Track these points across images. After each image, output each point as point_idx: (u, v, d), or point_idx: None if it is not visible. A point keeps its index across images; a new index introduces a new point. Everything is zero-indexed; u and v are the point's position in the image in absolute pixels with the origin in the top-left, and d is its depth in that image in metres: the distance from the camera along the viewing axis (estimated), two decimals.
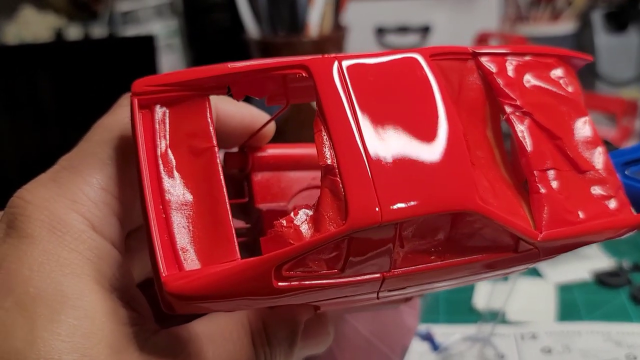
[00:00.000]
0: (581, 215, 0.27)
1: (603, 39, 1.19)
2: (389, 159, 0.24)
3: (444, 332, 0.54)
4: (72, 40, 1.07)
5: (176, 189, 0.26)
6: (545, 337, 0.53)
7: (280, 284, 0.23)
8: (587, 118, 0.31)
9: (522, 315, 0.57)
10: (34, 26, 1.10)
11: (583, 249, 0.65)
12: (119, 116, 0.29)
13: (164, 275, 0.23)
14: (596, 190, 0.29)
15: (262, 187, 0.34)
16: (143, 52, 0.91)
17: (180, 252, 0.24)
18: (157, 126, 0.26)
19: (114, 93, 0.99)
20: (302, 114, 0.66)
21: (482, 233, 0.26)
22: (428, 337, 0.52)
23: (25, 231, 0.26)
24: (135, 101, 0.27)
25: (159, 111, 0.27)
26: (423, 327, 0.53)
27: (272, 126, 0.35)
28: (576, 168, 0.29)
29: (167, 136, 0.27)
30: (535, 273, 0.63)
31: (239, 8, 0.93)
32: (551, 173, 0.28)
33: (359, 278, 0.25)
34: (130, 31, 1.10)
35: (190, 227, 0.25)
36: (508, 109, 0.29)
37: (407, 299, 0.34)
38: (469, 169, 0.25)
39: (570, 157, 0.29)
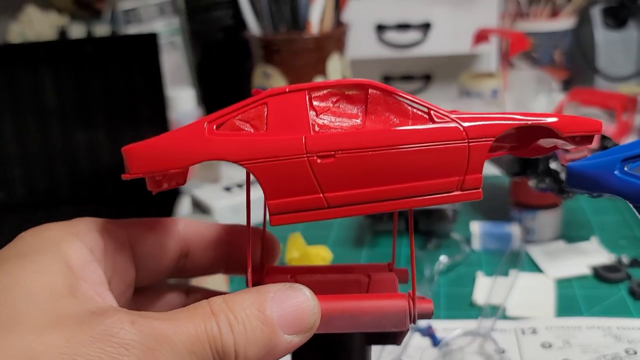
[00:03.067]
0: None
1: (602, 34, 1.20)
2: None
3: (445, 328, 0.55)
4: (75, 39, 1.08)
5: None
6: (546, 332, 0.53)
7: (210, 136, 0.29)
8: None
9: (522, 310, 0.57)
10: (37, 25, 1.10)
11: (582, 244, 0.66)
12: None
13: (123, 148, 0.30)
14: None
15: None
16: (146, 50, 0.91)
17: None
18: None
19: (117, 91, 1.00)
20: None
21: (396, 115, 0.31)
22: (429, 333, 0.53)
23: (16, 248, 0.30)
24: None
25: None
26: (424, 323, 0.54)
27: (277, 244, 0.39)
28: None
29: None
30: (535, 268, 0.64)
31: (240, 6, 0.93)
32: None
33: (282, 136, 0.29)
34: (133, 29, 1.10)
35: None
36: None
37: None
38: None
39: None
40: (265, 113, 0.30)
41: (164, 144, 0.30)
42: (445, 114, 0.30)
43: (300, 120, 0.30)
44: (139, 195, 0.90)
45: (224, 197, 0.78)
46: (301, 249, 0.66)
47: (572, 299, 0.59)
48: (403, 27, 1.19)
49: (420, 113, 0.30)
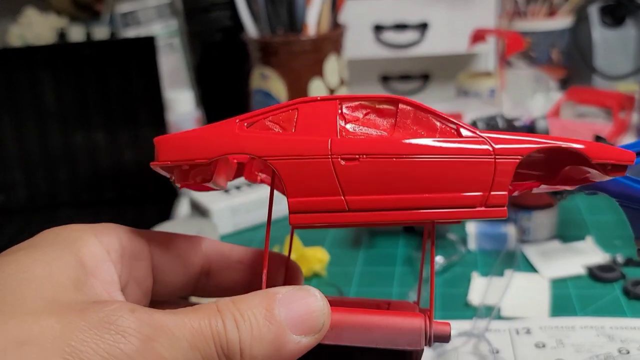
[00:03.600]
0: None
1: (600, 33, 1.20)
2: None
3: None
4: (74, 42, 1.08)
5: None
6: (539, 332, 0.54)
7: (240, 132, 0.31)
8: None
9: (517, 310, 0.58)
10: (36, 27, 1.11)
11: (577, 243, 0.67)
12: None
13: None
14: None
15: None
16: (144, 53, 0.92)
17: None
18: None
19: (115, 94, 1.01)
20: None
21: (425, 129, 0.31)
22: None
23: (33, 241, 0.30)
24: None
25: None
26: None
27: (299, 272, 0.39)
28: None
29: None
30: (530, 268, 0.64)
31: (238, 8, 0.94)
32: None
33: (309, 136, 0.31)
34: (131, 32, 1.11)
35: None
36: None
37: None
38: None
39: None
40: (296, 117, 0.31)
41: (193, 136, 0.31)
42: (474, 130, 0.30)
43: (329, 126, 0.31)
44: (137, 197, 0.91)
45: (222, 199, 0.78)
46: (298, 250, 0.66)
47: (566, 299, 0.59)
48: (400, 27, 1.19)
49: (448, 129, 0.31)
